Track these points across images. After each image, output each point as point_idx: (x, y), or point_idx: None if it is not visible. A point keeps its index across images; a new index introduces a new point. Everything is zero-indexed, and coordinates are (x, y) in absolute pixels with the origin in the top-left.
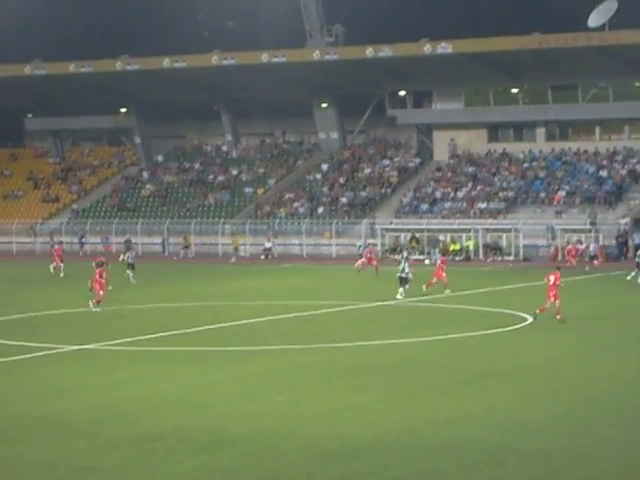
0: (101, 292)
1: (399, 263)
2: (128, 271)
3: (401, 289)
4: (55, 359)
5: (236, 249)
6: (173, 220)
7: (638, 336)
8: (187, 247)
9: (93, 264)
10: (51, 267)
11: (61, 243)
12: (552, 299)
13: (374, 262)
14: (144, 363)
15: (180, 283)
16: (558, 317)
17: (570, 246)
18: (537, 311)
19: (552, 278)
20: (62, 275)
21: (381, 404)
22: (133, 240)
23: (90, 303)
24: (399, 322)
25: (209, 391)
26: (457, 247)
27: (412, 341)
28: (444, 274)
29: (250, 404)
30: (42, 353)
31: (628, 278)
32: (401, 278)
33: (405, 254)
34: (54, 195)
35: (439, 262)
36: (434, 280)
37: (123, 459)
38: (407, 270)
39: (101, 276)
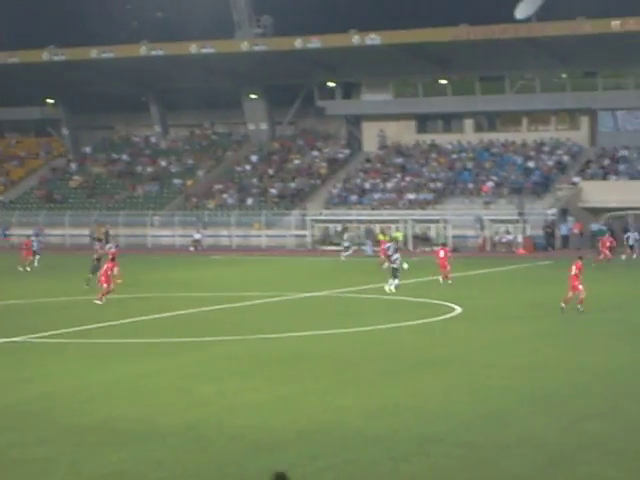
0: (106, 285)
1: (387, 254)
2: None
3: (395, 280)
4: None
5: (98, 239)
6: (101, 212)
7: (565, 325)
8: (100, 240)
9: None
10: None
11: None
12: (575, 290)
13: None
14: (73, 355)
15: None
16: (579, 307)
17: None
18: (562, 304)
19: (573, 268)
20: None
21: (310, 395)
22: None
23: (98, 300)
24: (330, 313)
25: (138, 383)
26: (386, 238)
27: (342, 332)
28: (448, 264)
29: (179, 396)
30: None
31: None
32: (394, 269)
33: (393, 244)
34: None
35: (444, 252)
36: (448, 268)
37: (52, 452)
38: (398, 260)
39: (111, 270)
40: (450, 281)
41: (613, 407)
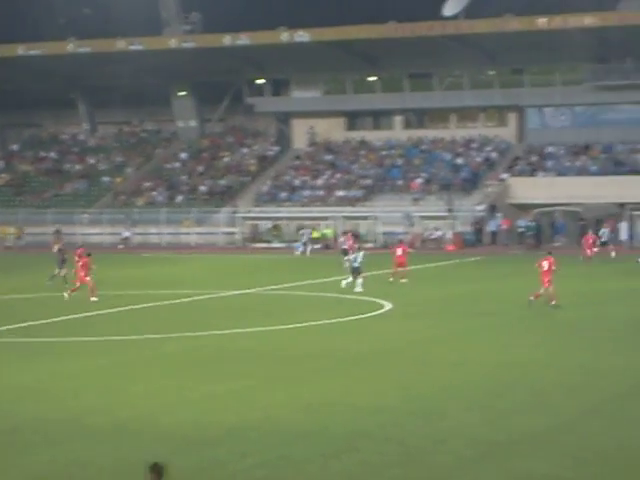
0: (87, 279)
1: (353, 252)
2: None
3: (359, 280)
4: None
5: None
6: (29, 210)
7: (492, 321)
8: (19, 237)
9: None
10: None
11: None
12: (546, 285)
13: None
14: (2, 355)
15: (36, 274)
16: (553, 303)
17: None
18: (531, 297)
19: (546, 264)
20: None
21: (241, 392)
22: None
23: (91, 298)
24: (260, 310)
25: (67, 382)
26: (317, 235)
27: (272, 329)
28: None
29: (109, 395)
30: None
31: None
32: (354, 268)
33: (352, 244)
34: None
35: (401, 250)
36: (400, 269)
37: None
38: (360, 260)
39: (86, 266)
40: (405, 280)
41: (542, 401)
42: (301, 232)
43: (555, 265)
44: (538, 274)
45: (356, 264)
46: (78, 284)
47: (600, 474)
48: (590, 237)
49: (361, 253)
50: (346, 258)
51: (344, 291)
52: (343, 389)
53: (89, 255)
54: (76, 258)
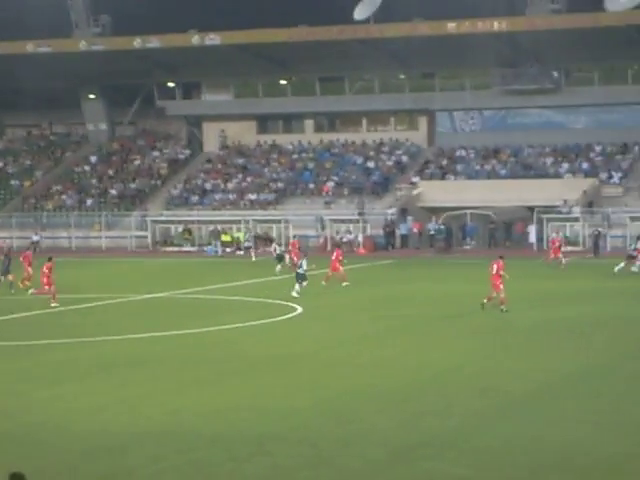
0: (47, 287)
1: (295, 259)
2: None
3: (297, 286)
4: None
5: None
6: None
7: (404, 324)
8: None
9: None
10: None
11: None
12: (497, 289)
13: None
14: None
15: None
16: (502, 307)
17: (555, 237)
18: (484, 300)
19: (495, 267)
20: None
21: (150, 397)
22: None
23: (51, 303)
24: (171, 314)
25: None
26: (228, 238)
27: (183, 333)
28: (341, 267)
29: (15, 400)
30: None
31: (615, 270)
32: (298, 274)
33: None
34: None
35: (336, 254)
36: (330, 273)
37: None
38: (305, 267)
39: (50, 271)
40: (346, 284)
41: (451, 404)
42: (246, 236)
43: (503, 269)
44: (489, 278)
45: (301, 270)
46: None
47: (506, 475)
48: (557, 240)
49: (305, 260)
50: (286, 264)
51: (257, 294)
52: (254, 392)
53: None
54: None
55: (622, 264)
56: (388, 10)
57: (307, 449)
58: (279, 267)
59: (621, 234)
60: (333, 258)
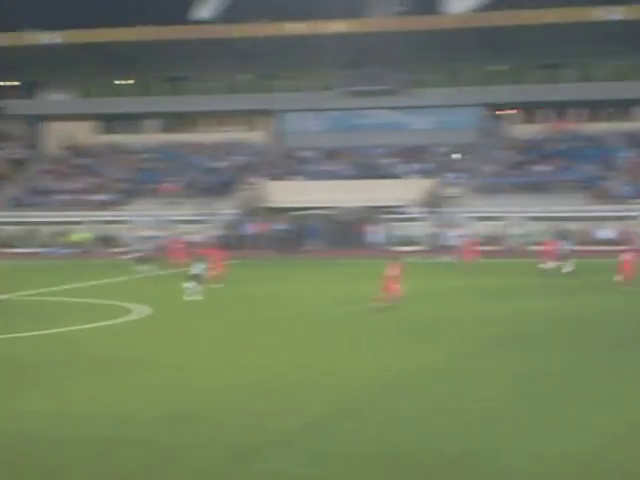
0: None
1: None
2: None
3: (189, 284)
4: None
5: None
6: None
7: (248, 326)
8: None
9: None
10: None
11: None
12: (389, 290)
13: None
14: None
15: None
16: (373, 303)
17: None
18: (372, 303)
19: (391, 270)
20: None
21: None
22: None
23: None
24: (9, 316)
25: None
26: (74, 239)
27: (21, 335)
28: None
29: None
30: None
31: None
32: (193, 275)
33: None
34: None
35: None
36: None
37: None
38: (203, 268)
39: None
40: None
41: (296, 402)
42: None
43: (396, 270)
44: (382, 278)
45: (198, 271)
46: None
47: (350, 473)
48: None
49: (204, 264)
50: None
51: (100, 296)
52: (93, 395)
53: None
54: None
55: (554, 264)
56: (235, 10)
57: (150, 451)
58: (146, 267)
59: (462, 233)
60: (216, 259)
